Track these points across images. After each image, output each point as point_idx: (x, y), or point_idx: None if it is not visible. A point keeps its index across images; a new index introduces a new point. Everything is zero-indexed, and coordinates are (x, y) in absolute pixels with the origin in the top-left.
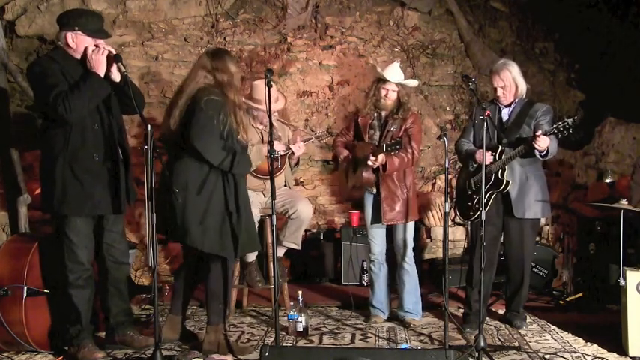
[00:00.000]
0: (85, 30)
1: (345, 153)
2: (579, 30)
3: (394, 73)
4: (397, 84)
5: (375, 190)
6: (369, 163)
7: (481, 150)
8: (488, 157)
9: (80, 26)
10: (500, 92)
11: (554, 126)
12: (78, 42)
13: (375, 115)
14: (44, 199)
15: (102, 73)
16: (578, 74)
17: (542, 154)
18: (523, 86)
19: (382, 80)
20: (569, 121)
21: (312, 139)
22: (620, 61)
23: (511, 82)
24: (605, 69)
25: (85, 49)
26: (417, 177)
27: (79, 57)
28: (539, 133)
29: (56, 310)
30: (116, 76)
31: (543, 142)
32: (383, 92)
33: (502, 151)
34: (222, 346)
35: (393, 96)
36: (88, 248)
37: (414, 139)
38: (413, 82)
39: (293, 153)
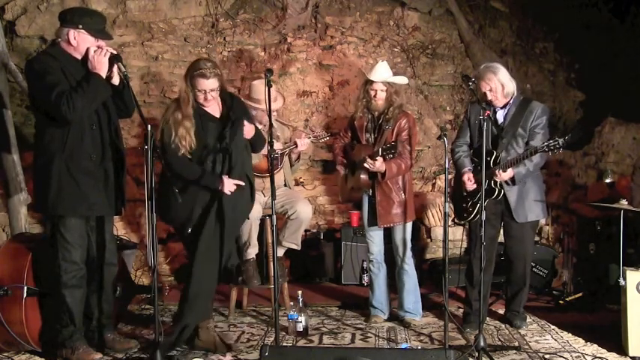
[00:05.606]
0: (88, 29)
1: (341, 161)
2: (579, 30)
3: (379, 72)
4: (384, 83)
5: (371, 192)
6: (367, 165)
7: (468, 174)
8: (471, 186)
9: (84, 25)
10: (489, 95)
11: (545, 144)
12: (80, 40)
13: (369, 117)
14: (38, 198)
15: (103, 75)
16: (578, 74)
17: (510, 184)
18: (510, 85)
19: (370, 81)
20: (560, 140)
21: (310, 137)
22: (620, 61)
23: (496, 83)
24: (605, 69)
25: (87, 50)
26: (417, 177)
27: (78, 56)
28: (498, 170)
29: (50, 312)
30: (116, 80)
31: (501, 178)
32: (372, 93)
33: (497, 156)
34: (220, 345)
35: (381, 96)
36: (82, 248)
37: (409, 142)
38: (401, 79)
39: (297, 146)
